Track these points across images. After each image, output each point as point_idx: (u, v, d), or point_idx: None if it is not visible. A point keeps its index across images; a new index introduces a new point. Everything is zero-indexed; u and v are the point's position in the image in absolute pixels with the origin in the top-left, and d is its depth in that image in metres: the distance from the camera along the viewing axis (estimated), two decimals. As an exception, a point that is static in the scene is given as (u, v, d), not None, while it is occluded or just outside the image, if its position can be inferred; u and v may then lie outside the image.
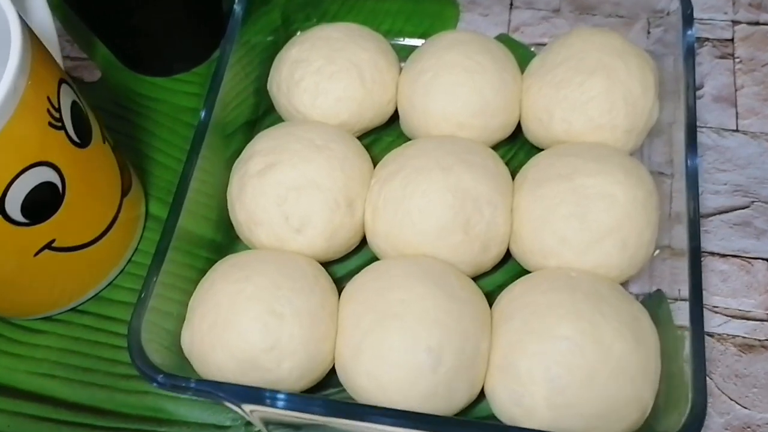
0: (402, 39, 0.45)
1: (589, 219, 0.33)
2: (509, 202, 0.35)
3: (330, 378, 0.34)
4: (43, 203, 0.31)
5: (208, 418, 0.36)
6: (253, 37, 0.42)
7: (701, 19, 0.45)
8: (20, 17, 0.29)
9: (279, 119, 0.42)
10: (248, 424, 0.35)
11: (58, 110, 0.31)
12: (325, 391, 0.35)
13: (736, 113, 0.42)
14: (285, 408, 0.29)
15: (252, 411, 0.30)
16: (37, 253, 0.33)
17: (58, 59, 0.38)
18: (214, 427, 0.35)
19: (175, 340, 0.34)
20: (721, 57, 0.44)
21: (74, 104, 0.32)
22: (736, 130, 0.41)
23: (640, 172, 0.34)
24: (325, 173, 0.35)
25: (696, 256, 0.31)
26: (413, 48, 0.42)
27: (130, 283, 0.39)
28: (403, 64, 0.41)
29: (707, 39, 0.44)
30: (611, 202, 0.33)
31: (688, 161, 0.34)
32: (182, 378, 0.30)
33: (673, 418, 0.29)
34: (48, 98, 0.30)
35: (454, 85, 0.37)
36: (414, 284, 0.32)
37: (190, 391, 0.30)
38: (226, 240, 0.39)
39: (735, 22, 0.45)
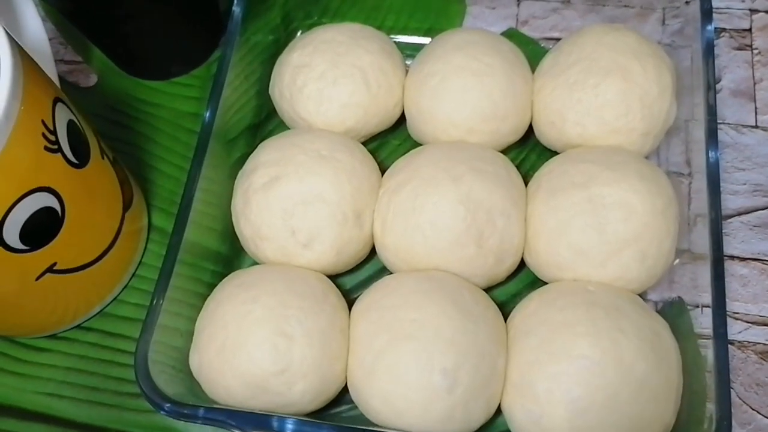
0: (406, 36, 0.43)
1: (607, 230, 0.32)
2: (523, 211, 0.34)
3: (342, 395, 0.33)
4: (42, 228, 0.30)
5: (218, 436, 0.35)
6: (252, 36, 0.41)
7: (717, 8, 0.43)
8: (11, 39, 0.28)
9: (282, 123, 0.41)
10: (260, 443, 0.35)
11: (54, 132, 0.29)
12: (338, 408, 0.34)
13: (755, 108, 0.40)
14: (297, 433, 0.28)
15: (262, 437, 0.29)
16: (38, 278, 0.32)
17: (52, 71, 0.37)
18: (225, 445, 0.35)
19: (183, 358, 0.33)
20: (739, 48, 0.42)
21: (71, 123, 0.31)
22: (756, 126, 0.40)
23: (659, 178, 0.33)
24: (332, 186, 0.34)
25: (719, 267, 0.31)
26: (418, 45, 0.41)
27: (135, 298, 0.38)
28: (408, 63, 0.40)
29: (724, 29, 0.43)
30: (629, 212, 0.32)
31: (710, 165, 0.32)
32: (190, 406, 0.29)
33: (695, 434, 0.29)
34: (43, 122, 0.29)
35: (462, 89, 0.36)
36: (426, 302, 0.31)
37: (199, 420, 0.29)
38: (232, 251, 0.38)
39: (753, 11, 0.43)
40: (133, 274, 0.39)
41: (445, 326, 0.30)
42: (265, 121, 0.42)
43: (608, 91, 0.34)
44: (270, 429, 0.29)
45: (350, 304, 0.34)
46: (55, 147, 0.30)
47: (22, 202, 0.28)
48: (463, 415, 0.30)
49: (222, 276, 0.35)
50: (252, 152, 0.37)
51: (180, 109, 0.43)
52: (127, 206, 0.36)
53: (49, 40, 0.39)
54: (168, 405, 0.29)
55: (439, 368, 0.29)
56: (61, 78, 0.43)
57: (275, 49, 0.42)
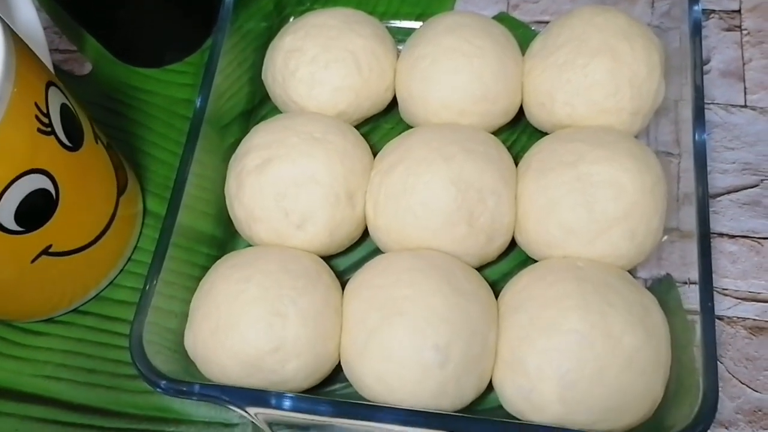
0: (398, 21, 0.44)
1: (596, 209, 0.32)
2: (513, 190, 0.34)
3: (336, 373, 0.33)
4: (37, 210, 0.30)
5: (215, 416, 0.35)
6: (245, 23, 0.41)
7: (707, -10, 0.43)
8: (3, 23, 0.28)
9: (275, 109, 0.41)
10: (256, 422, 0.35)
11: (47, 115, 0.30)
12: (331, 386, 0.35)
13: (744, 88, 0.41)
14: (292, 410, 0.29)
15: (256, 413, 0.30)
16: (34, 260, 0.32)
17: (46, 58, 0.37)
18: (221, 425, 0.35)
19: (179, 339, 0.33)
20: (728, 29, 0.42)
21: (64, 107, 0.31)
22: (745, 106, 0.40)
23: (648, 157, 0.34)
24: (325, 167, 0.34)
25: (705, 243, 0.31)
26: (410, 30, 0.41)
27: (131, 281, 0.39)
28: (400, 48, 0.40)
29: (713, 11, 0.43)
30: (618, 190, 0.32)
31: (696, 145, 0.33)
32: (185, 383, 0.30)
33: (685, 407, 0.29)
34: (36, 104, 0.29)
35: (453, 71, 0.36)
36: (419, 280, 0.31)
37: (194, 396, 0.29)
38: (225, 235, 0.38)
39: (742, -8, 0.43)
40: (129, 259, 0.39)
41: (437, 303, 0.31)
42: (258, 107, 0.42)
43: (597, 71, 0.35)
44: (264, 404, 0.29)
45: (343, 285, 0.34)
46: (49, 129, 0.30)
47: (16, 183, 0.29)
48: (455, 390, 0.30)
49: (216, 259, 0.35)
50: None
51: (174, 95, 0.44)
52: (121, 191, 0.37)
53: (44, 29, 0.39)
54: (164, 382, 0.29)
55: (431, 344, 0.30)
56: (56, 67, 0.43)
57: (268, 36, 0.42)
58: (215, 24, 0.44)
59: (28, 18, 0.37)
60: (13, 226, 0.30)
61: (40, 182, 0.30)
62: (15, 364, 0.37)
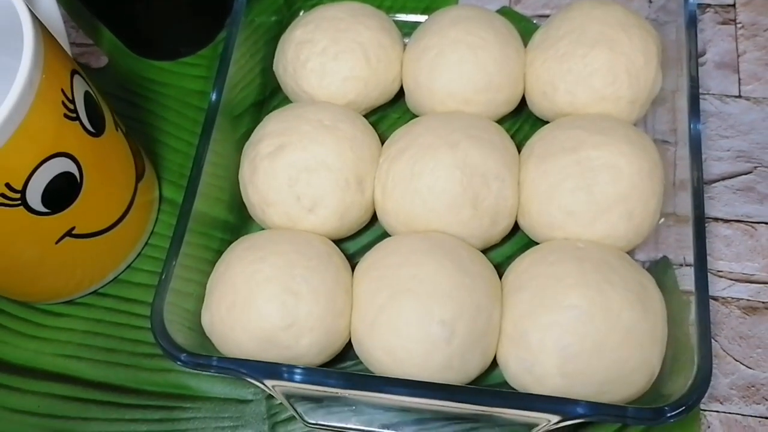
0: (404, 15, 0.45)
1: (595, 191, 0.34)
2: (516, 175, 0.36)
3: (347, 351, 0.35)
4: (62, 192, 0.32)
5: (230, 392, 0.37)
6: (257, 17, 0.42)
7: (702, -15, 0.45)
8: (30, 11, 0.30)
9: (286, 99, 0.43)
10: (269, 397, 0.37)
11: (72, 101, 0.31)
12: (343, 364, 0.36)
13: (739, 79, 0.42)
14: (303, 382, 0.30)
15: (274, 386, 0.31)
16: (58, 241, 0.33)
17: (67, 48, 0.39)
18: (235, 402, 0.37)
19: (195, 319, 0.35)
20: (723, 23, 0.44)
21: (87, 94, 0.33)
22: (739, 96, 0.42)
23: (645, 142, 0.35)
24: (335, 153, 0.36)
25: (700, 225, 0.32)
26: (416, 24, 0.43)
27: (148, 265, 0.40)
28: (406, 41, 0.42)
29: (709, 5, 0.44)
30: (617, 174, 0.33)
31: (692, 131, 0.34)
32: (205, 356, 0.31)
33: (680, 380, 0.30)
34: (62, 90, 0.31)
35: (458, 62, 0.38)
36: (425, 259, 0.33)
37: (213, 369, 0.31)
38: (239, 220, 0.40)
39: (737, -13, 0.45)
40: (146, 243, 0.41)
41: (443, 281, 0.32)
42: (269, 98, 0.44)
43: (596, 61, 0.36)
44: (277, 377, 0.30)
45: (353, 267, 0.36)
46: (74, 115, 0.31)
47: (44, 165, 0.30)
48: (461, 364, 0.32)
49: (229, 243, 0.37)
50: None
51: (187, 87, 0.45)
52: (139, 177, 0.38)
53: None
54: (184, 355, 0.31)
55: (438, 320, 0.31)
56: (77, 63, 0.45)
57: (278, 30, 0.44)
58: (226, 18, 0.46)
59: (49, 9, 0.38)
60: (40, 208, 0.31)
61: (66, 165, 0.31)
62: (37, 344, 0.39)
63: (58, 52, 0.32)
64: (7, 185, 0.29)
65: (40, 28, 0.30)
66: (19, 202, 0.30)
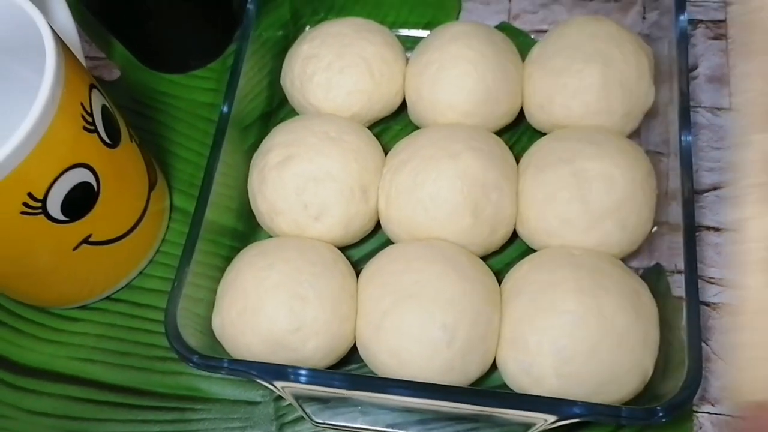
0: (407, 30, 0.47)
1: (590, 201, 0.35)
2: (514, 185, 0.37)
3: (352, 354, 0.36)
4: (80, 201, 0.33)
5: (239, 395, 0.38)
6: (264, 32, 0.44)
7: (695, 1, 0.46)
8: (51, 28, 0.31)
9: (292, 111, 0.44)
10: (277, 399, 0.38)
11: (91, 114, 0.33)
12: (348, 367, 0.37)
13: (729, 93, 0.44)
14: (309, 383, 0.31)
15: (283, 387, 0.32)
16: (75, 248, 0.35)
17: (82, 61, 0.40)
18: (244, 403, 0.38)
19: (207, 324, 0.36)
20: (714, 38, 0.45)
21: (104, 107, 0.34)
22: (730, 109, 0.43)
23: (638, 154, 0.36)
24: (340, 164, 0.37)
25: (691, 233, 0.34)
26: (418, 38, 0.44)
27: (159, 271, 0.42)
28: (409, 55, 0.43)
29: (701, 21, 0.46)
30: (611, 184, 0.35)
31: (682, 143, 0.36)
32: (217, 359, 0.32)
33: (672, 382, 0.31)
34: (81, 104, 0.32)
35: (459, 76, 0.39)
36: (427, 266, 0.34)
37: (224, 371, 0.32)
38: (247, 228, 0.41)
39: (727, 3, 0.46)
40: (157, 250, 0.42)
41: (445, 287, 0.33)
42: (276, 110, 0.45)
43: (591, 76, 0.38)
44: (285, 378, 0.32)
45: (357, 273, 0.37)
46: (92, 128, 0.33)
47: (63, 176, 0.32)
48: (462, 366, 0.33)
49: (239, 251, 0.38)
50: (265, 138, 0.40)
51: (198, 99, 0.47)
52: (152, 186, 0.40)
53: (75, 37, 0.42)
54: (196, 357, 0.32)
55: (440, 324, 0.33)
56: (94, 78, 0.46)
57: (285, 44, 0.45)
58: (235, 32, 0.48)
59: (65, 23, 0.40)
60: (60, 216, 0.33)
61: (84, 176, 0.33)
62: (52, 348, 0.40)
63: (78, 67, 0.33)
64: (30, 195, 0.31)
65: (60, 43, 0.32)
66: (40, 210, 0.31)
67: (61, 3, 0.41)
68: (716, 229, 0.40)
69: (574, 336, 0.32)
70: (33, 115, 0.29)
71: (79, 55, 0.41)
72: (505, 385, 0.35)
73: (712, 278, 0.39)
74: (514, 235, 0.39)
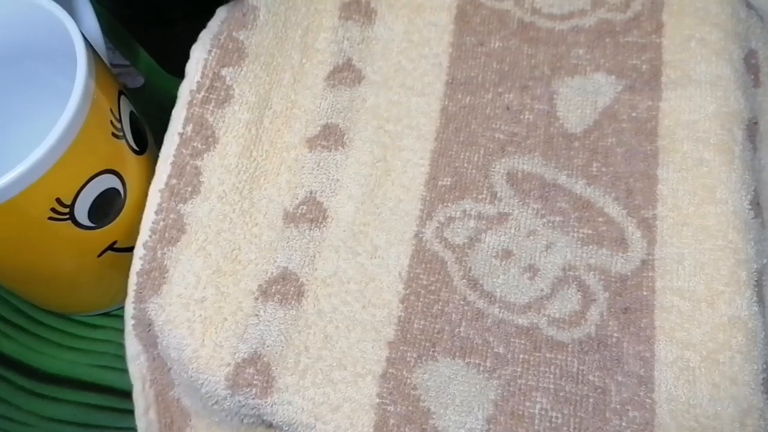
0: None
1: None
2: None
3: None
4: (107, 208, 0.33)
5: (260, 405, 0.38)
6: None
7: None
8: (82, 33, 0.31)
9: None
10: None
11: (120, 120, 0.33)
12: None
13: None
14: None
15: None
16: (100, 254, 0.35)
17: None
18: (266, 414, 0.38)
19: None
20: None
21: (132, 114, 0.34)
22: None
23: None
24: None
25: None
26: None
27: (182, 279, 0.41)
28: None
29: None
30: None
31: None
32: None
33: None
34: (111, 110, 0.32)
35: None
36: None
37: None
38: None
39: None
40: (180, 258, 0.42)
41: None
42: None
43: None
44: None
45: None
46: (121, 134, 0.33)
47: (92, 182, 0.31)
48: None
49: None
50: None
51: (221, 107, 0.47)
52: (176, 193, 0.40)
53: (100, 44, 0.42)
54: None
55: None
56: (122, 84, 0.46)
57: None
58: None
59: (92, 29, 0.40)
60: (86, 222, 0.32)
61: (112, 182, 0.33)
62: (73, 355, 0.40)
63: (107, 73, 0.33)
64: (58, 200, 0.30)
65: (91, 48, 0.32)
66: (68, 216, 0.31)
67: (88, 8, 0.41)
68: None
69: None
70: (64, 120, 0.29)
71: (105, 61, 0.41)
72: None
73: None
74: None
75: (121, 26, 0.45)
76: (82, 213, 0.32)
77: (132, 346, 0.33)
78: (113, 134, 0.32)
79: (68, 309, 0.40)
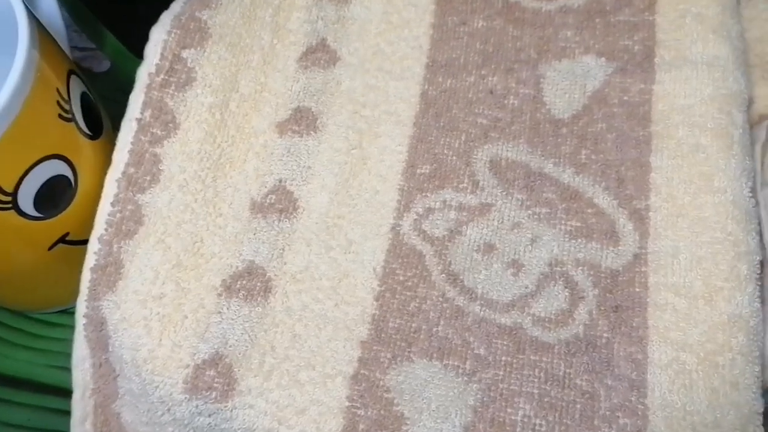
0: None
1: None
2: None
3: None
4: (55, 196, 0.31)
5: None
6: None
7: None
8: (27, 9, 0.29)
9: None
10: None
11: (68, 102, 0.30)
12: None
13: None
14: None
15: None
16: (51, 247, 0.33)
17: (66, 50, 0.38)
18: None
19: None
20: None
21: (84, 95, 0.32)
22: None
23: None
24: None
25: None
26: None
27: (146, 274, 0.39)
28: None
29: None
30: None
31: None
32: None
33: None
34: (57, 90, 0.30)
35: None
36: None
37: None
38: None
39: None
40: (144, 252, 0.39)
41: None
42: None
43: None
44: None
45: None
46: (69, 116, 0.31)
47: (36, 167, 0.29)
48: None
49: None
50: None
51: (191, 92, 0.44)
52: (138, 183, 0.37)
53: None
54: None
55: None
56: (75, 64, 0.44)
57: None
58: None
59: (50, 9, 0.38)
60: (32, 212, 0.30)
61: (60, 168, 0.30)
62: (29, 355, 0.38)
63: (55, 52, 0.31)
64: (-2, 187, 0.28)
65: (36, 25, 0.30)
66: (11, 205, 0.29)
67: (46, -13, 0.38)
68: None
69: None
70: (3, 96, 0.27)
71: (64, 43, 0.39)
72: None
73: None
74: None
75: (85, 6, 0.43)
76: (26, 202, 0.30)
77: (79, 349, 0.31)
78: (60, 116, 0.30)
79: (23, 305, 0.38)
